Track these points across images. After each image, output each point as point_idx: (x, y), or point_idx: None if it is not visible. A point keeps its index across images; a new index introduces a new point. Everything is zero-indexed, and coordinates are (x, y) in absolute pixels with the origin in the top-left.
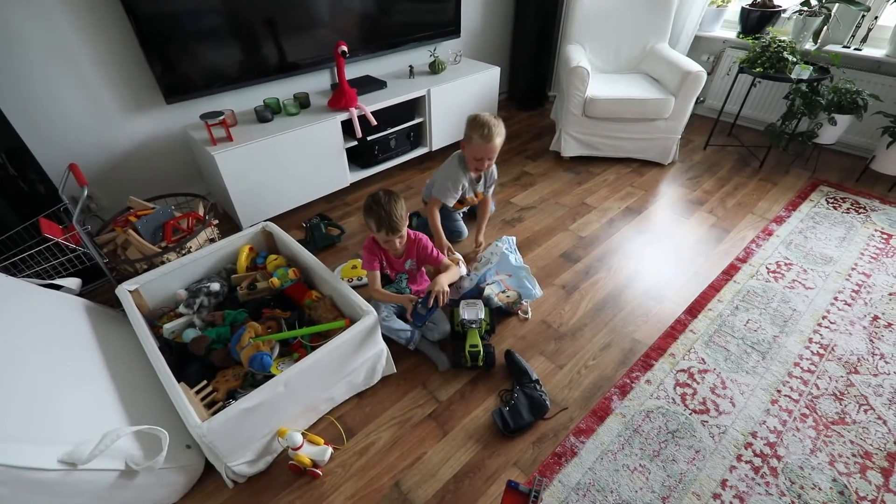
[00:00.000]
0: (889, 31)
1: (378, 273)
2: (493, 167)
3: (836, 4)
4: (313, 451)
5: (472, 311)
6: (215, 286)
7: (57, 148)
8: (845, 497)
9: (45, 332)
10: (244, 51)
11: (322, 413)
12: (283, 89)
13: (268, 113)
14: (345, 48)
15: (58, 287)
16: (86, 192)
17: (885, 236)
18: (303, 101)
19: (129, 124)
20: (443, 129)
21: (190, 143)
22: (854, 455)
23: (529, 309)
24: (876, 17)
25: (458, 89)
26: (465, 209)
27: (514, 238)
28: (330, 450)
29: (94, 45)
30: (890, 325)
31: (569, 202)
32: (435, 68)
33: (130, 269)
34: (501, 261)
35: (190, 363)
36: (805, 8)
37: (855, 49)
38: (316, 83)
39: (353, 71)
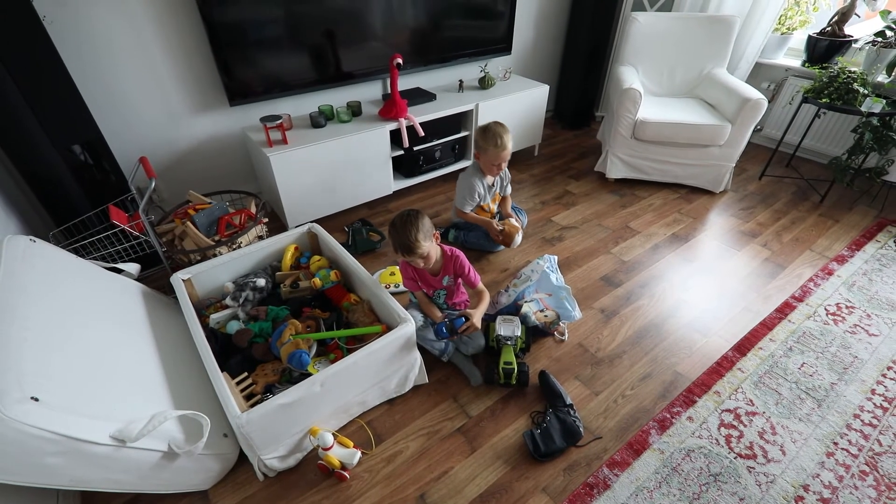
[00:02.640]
0: None
1: (421, 293)
2: (505, 168)
3: None
4: (342, 454)
5: (508, 328)
6: (261, 282)
7: (130, 141)
8: None
9: (107, 311)
10: (304, 60)
11: (353, 416)
12: (337, 97)
13: (322, 119)
14: (400, 60)
15: (119, 271)
16: (153, 185)
17: None
18: (355, 110)
19: (194, 123)
20: None
21: (247, 143)
22: None
23: (566, 331)
24: None
25: (506, 105)
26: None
27: (556, 257)
28: (359, 453)
29: (172, 50)
30: None
31: (612, 225)
32: (484, 83)
33: (185, 259)
34: (542, 279)
35: (232, 354)
36: (879, 39)
37: None
38: (368, 93)
39: (404, 83)
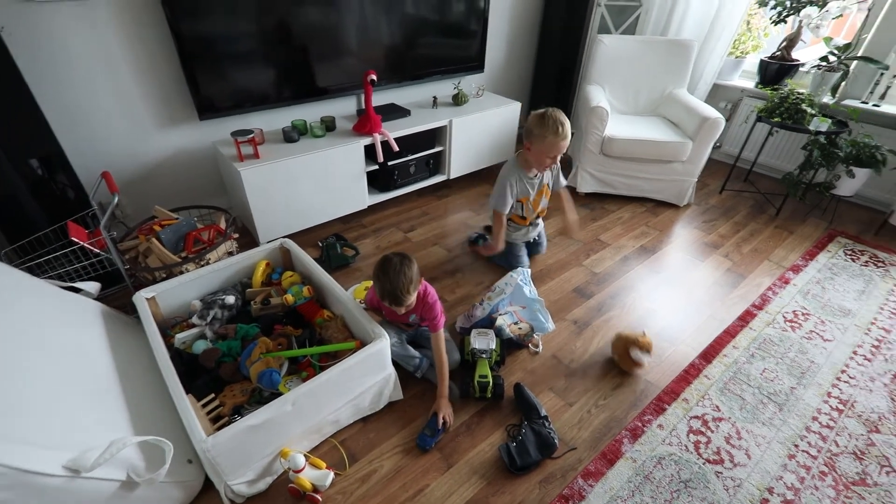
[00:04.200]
0: None
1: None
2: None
3: (855, 61)
4: (315, 475)
5: (483, 341)
6: (230, 299)
7: (92, 155)
8: None
9: (62, 333)
10: (277, 74)
11: (326, 436)
12: (310, 112)
13: (294, 134)
14: (374, 77)
15: (77, 290)
16: (116, 200)
17: None
18: (329, 125)
19: (161, 137)
20: (462, 158)
21: (217, 158)
22: None
23: (541, 343)
24: (895, 76)
25: (479, 121)
26: (530, 229)
27: (530, 270)
28: (331, 475)
29: (138, 62)
30: None
31: (583, 238)
32: (458, 100)
33: (149, 276)
34: (515, 292)
35: (199, 375)
36: (823, 63)
37: (874, 105)
38: (343, 108)
39: (379, 98)
